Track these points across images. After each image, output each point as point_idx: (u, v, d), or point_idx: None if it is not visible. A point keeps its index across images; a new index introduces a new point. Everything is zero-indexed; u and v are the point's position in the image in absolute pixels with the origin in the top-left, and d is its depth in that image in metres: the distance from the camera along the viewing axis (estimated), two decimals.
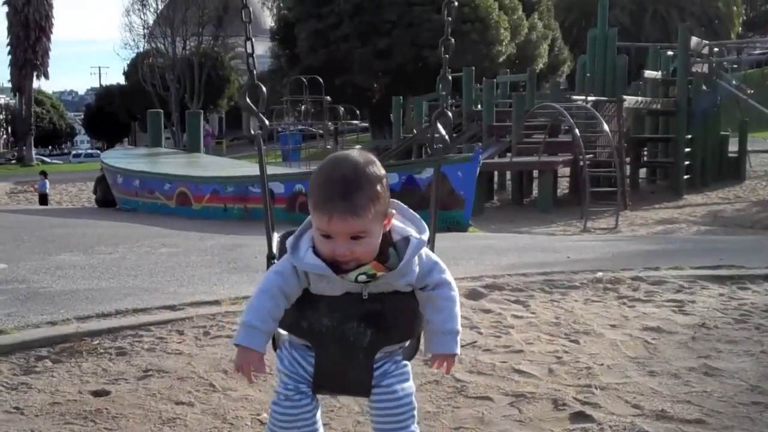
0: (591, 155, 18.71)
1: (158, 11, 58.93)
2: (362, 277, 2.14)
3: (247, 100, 2.56)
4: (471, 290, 5.65)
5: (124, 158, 20.73)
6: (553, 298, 5.54)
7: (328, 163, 2.13)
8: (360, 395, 2.33)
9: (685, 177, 21.77)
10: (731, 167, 24.37)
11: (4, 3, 53.05)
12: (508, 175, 23.43)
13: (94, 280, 6.54)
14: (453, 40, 2.65)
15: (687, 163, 21.98)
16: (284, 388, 2.25)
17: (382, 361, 2.26)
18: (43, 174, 24.87)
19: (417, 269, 2.18)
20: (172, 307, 5.24)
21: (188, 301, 5.40)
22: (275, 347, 2.37)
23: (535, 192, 21.57)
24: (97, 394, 3.56)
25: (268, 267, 2.35)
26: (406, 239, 2.20)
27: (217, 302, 5.35)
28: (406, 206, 2.30)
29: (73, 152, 76.81)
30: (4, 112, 75.18)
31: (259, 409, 3.36)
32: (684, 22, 29.72)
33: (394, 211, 2.22)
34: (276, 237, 2.38)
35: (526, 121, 20.84)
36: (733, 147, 24.40)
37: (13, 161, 56.15)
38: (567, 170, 21.49)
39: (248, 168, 18.70)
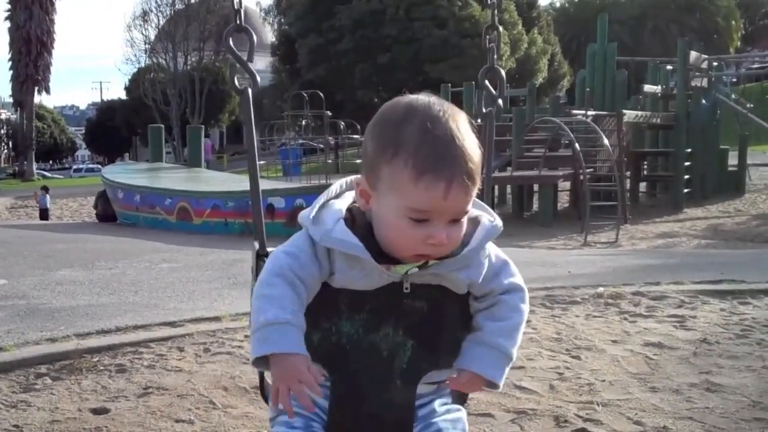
0: (591, 169, 18.69)
1: (160, 26, 59.12)
2: (414, 270, 1.55)
3: (231, 44, 2.08)
4: None
5: (124, 173, 20.73)
6: (554, 314, 5.52)
7: (420, 110, 1.50)
8: None
9: (685, 191, 21.75)
10: (731, 181, 24.35)
11: (6, 18, 53.21)
12: (509, 189, 23.42)
13: (94, 295, 6.53)
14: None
15: (687, 176, 21.96)
16: (287, 426, 1.60)
17: (429, 397, 1.65)
18: (45, 189, 24.86)
19: (486, 264, 1.63)
20: (172, 324, 5.23)
21: (188, 318, 5.39)
22: (264, 396, 1.83)
23: (535, 206, 21.54)
24: (96, 411, 3.55)
25: (256, 264, 1.91)
26: (475, 221, 1.62)
27: (217, 318, 5.34)
28: None
29: (74, 167, 76.83)
30: (5, 127, 75.25)
31: (259, 426, 3.35)
32: (683, 37, 29.79)
33: None
34: (252, 254, 1.96)
35: (526, 135, 20.85)
36: (732, 161, 24.38)
37: (14, 176, 56.17)
38: (567, 184, 21.46)
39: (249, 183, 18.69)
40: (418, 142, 1.45)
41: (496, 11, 2.28)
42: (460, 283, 1.60)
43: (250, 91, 2.04)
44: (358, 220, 1.57)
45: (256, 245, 1.95)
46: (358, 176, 1.58)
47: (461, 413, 1.69)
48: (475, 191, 1.52)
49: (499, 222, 1.66)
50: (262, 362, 1.54)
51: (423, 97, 1.54)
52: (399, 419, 1.58)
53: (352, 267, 1.54)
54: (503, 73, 2.18)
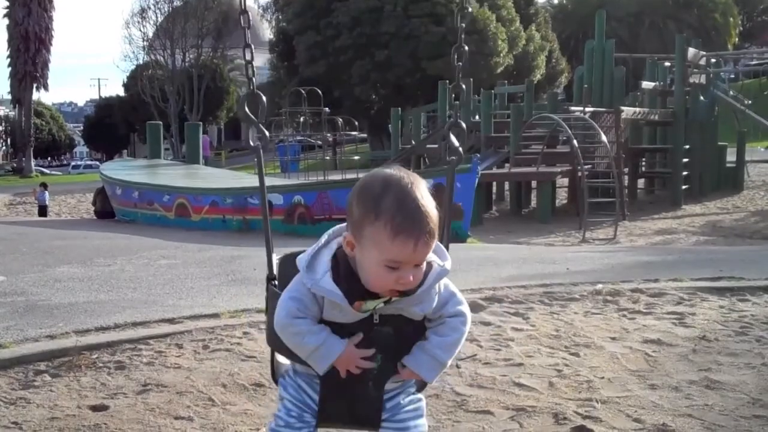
0: (589, 166, 18.71)
1: (158, 24, 59.05)
2: (380, 305, 1.99)
3: (247, 110, 2.49)
4: (470, 302, 5.57)
5: (123, 170, 20.71)
6: (552, 311, 5.53)
7: (395, 183, 1.94)
8: (369, 428, 2.13)
9: (684, 187, 21.78)
10: (729, 177, 24.39)
11: (4, 15, 53.10)
12: (507, 185, 23.44)
13: (92, 292, 6.52)
14: (467, 47, 2.60)
15: (685, 173, 21.99)
16: (286, 414, 2.11)
17: (395, 392, 2.13)
18: (44, 186, 24.84)
19: (436, 300, 2.04)
20: (171, 320, 5.23)
21: (187, 314, 5.39)
22: (275, 379, 2.27)
23: (533, 203, 21.57)
24: (95, 408, 3.54)
25: (267, 289, 2.26)
26: (429, 265, 2.01)
27: (216, 315, 5.34)
28: None
29: (73, 164, 76.71)
30: (3, 124, 75.08)
31: (258, 423, 3.35)
32: (681, 33, 29.80)
33: None
34: (275, 260, 2.28)
35: (524, 132, 20.85)
36: (731, 157, 24.42)
37: (12, 173, 56.12)
38: (565, 181, 21.49)
39: (247, 179, 18.68)
40: (394, 211, 1.89)
41: (460, 74, 2.59)
42: (416, 314, 2.05)
43: (260, 149, 2.53)
44: (341, 263, 2.00)
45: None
46: (347, 233, 1.99)
47: (421, 402, 2.18)
48: (434, 244, 1.96)
49: (448, 265, 2.05)
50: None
51: (395, 172, 1.98)
52: (371, 410, 2.10)
53: (334, 308, 2.00)
54: (465, 127, 2.58)
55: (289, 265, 2.16)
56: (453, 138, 2.51)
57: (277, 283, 2.23)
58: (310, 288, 1.99)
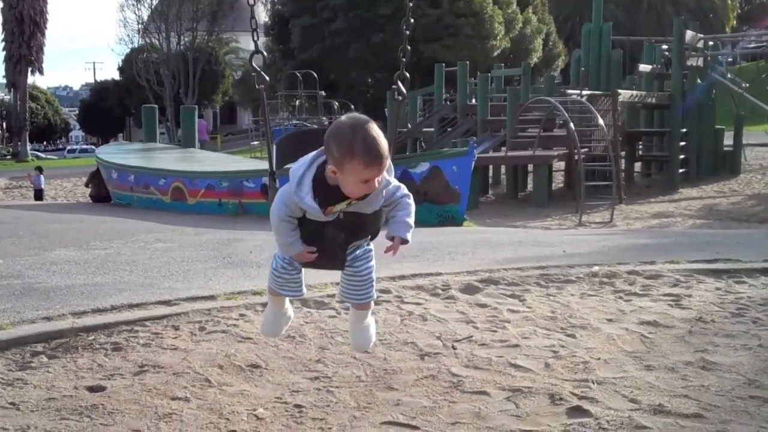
0: (586, 149, 18.68)
1: (152, 6, 58.74)
2: (344, 207, 2.81)
3: (254, 63, 3.31)
4: (466, 284, 5.64)
5: (119, 153, 20.66)
6: (549, 293, 5.54)
7: (359, 129, 2.67)
8: (336, 269, 3.05)
9: (681, 171, 21.76)
10: (726, 161, 24.34)
11: None
12: (503, 169, 23.41)
13: (89, 275, 6.52)
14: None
15: (682, 156, 21.96)
16: (282, 260, 3.04)
17: (353, 248, 3.00)
18: (39, 170, 24.77)
19: (381, 201, 2.86)
20: (167, 302, 5.23)
21: (184, 296, 5.39)
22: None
23: (530, 186, 21.54)
24: (92, 389, 3.55)
25: (269, 183, 3.30)
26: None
27: (212, 297, 5.34)
28: None
29: (68, 148, 76.49)
30: None
31: (255, 404, 3.36)
32: (679, 16, 29.70)
33: None
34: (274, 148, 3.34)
35: (520, 115, 20.80)
36: (728, 141, 24.38)
37: (8, 157, 55.98)
38: (562, 164, 21.44)
39: (243, 163, 18.67)
40: (363, 150, 2.64)
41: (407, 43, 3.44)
42: (368, 210, 2.86)
43: (264, 90, 3.36)
44: (319, 180, 2.77)
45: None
46: (330, 166, 2.72)
47: (371, 251, 3.06)
48: (388, 163, 2.76)
49: (390, 176, 2.87)
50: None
51: (357, 119, 2.73)
52: (338, 259, 3.00)
53: (311, 214, 2.83)
54: (408, 76, 3.37)
55: (283, 147, 3.33)
56: (400, 84, 3.31)
57: (276, 172, 3.29)
58: (297, 200, 2.80)
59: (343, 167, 2.70)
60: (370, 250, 3.09)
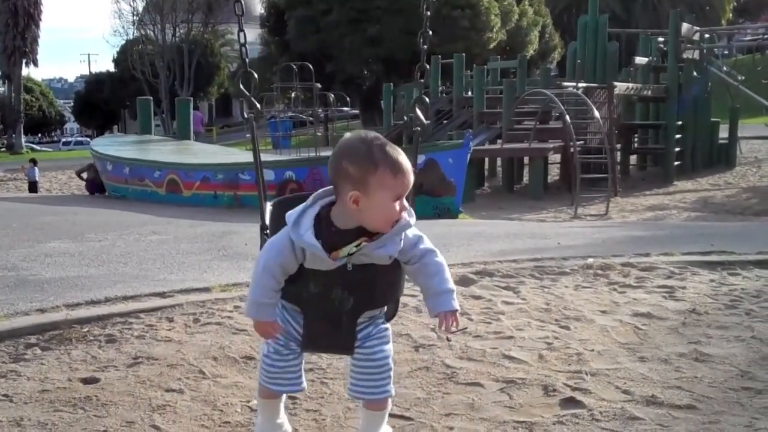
0: (581, 142, 18.71)
1: None
2: (353, 249, 2.39)
3: (241, 86, 2.91)
4: (461, 276, 5.64)
5: (113, 145, 20.60)
6: (543, 284, 5.54)
7: (371, 139, 2.38)
8: (343, 354, 2.62)
9: (676, 163, 21.79)
10: (721, 153, 24.40)
11: None
12: (499, 161, 23.42)
13: (83, 267, 6.51)
14: (431, 32, 3.01)
15: (677, 149, 22.00)
16: (275, 342, 2.55)
17: (365, 324, 2.55)
18: (33, 162, 24.72)
19: (401, 245, 2.43)
20: (161, 294, 5.22)
21: (178, 288, 5.39)
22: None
23: (525, 179, 21.58)
24: (86, 381, 3.55)
25: (261, 238, 2.72)
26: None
27: (207, 289, 5.34)
28: None
29: (63, 140, 76.39)
30: None
31: (249, 395, 3.35)
32: (675, 9, 29.72)
33: None
34: (268, 206, 2.70)
35: (516, 107, 20.80)
36: (723, 133, 24.42)
37: (2, 149, 55.87)
38: (557, 157, 21.47)
39: (238, 155, 18.64)
40: (385, 157, 2.34)
41: (425, 56, 2.98)
42: (382, 257, 2.42)
43: (254, 123, 2.93)
44: (323, 220, 2.41)
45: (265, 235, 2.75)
46: (352, 192, 2.33)
47: (388, 331, 2.59)
48: (412, 180, 2.42)
49: (412, 220, 2.45)
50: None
51: (360, 133, 2.44)
52: (346, 339, 2.53)
53: (314, 258, 2.41)
54: (428, 101, 3.03)
55: (280, 209, 2.56)
56: (419, 112, 2.91)
57: (268, 229, 2.69)
58: (294, 241, 2.40)
59: (367, 184, 2.32)
60: (387, 329, 2.59)
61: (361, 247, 2.39)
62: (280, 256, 2.42)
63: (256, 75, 2.86)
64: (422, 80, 3.00)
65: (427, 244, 2.50)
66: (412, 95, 30.16)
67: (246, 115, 2.92)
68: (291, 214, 2.43)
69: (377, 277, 2.46)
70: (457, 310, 2.47)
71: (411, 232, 2.47)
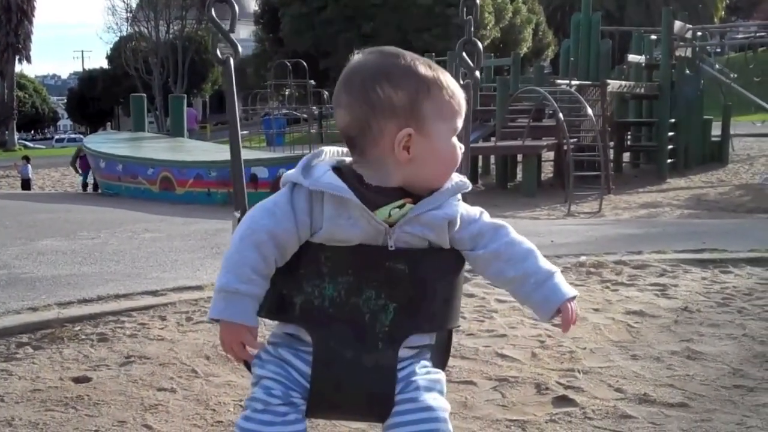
0: (575, 139, 18.70)
1: None
2: (395, 212, 1.63)
3: (214, 14, 2.15)
4: None
5: (107, 142, 20.58)
6: None
7: (409, 58, 1.68)
8: (375, 413, 1.64)
9: (669, 161, 21.79)
10: (714, 151, 24.40)
11: None
12: (493, 159, 23.41)
13: (75, 265, 6.49)
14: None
15: (670, 147, 22.00)
16: (266, 394, 1.61)
17: (408, 360, 1.67)
18: (26, 159, 24.65)
19: (458, 209, 1.71)
20: (154, 293, 5.22)
21: (171, 287, 5.38)
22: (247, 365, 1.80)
23: (519, 176, 21.55)
24: (78, 380, 3.54)
25: (233, 224, 1.94)
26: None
27: (199, 287, 5.33)
28: None
29: (56, 137, 76.24)
30: None
31: (242, 395, 3.35)
32: (667, 6, 29.72)
33: None
34: (236, 215, 2.06)
35: (510, 105, 20.80)
36: (716, 131, 24.43)
37: None
38: (551, 154, 21.45)
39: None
40: (434, 74, 1.65)
41: None
42: (440, 222, 1.66)
43: (232, 61, 2.14)
44: (346, 174, 1.64)
45: (237, 214, 2.06)
46: (405, 130, 1.61)
47: (441, 375, 1.73)
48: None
49: (467, 181, 1.77)
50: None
51: (387, 48, 1.74)
52: (381, 385, 1.59)
53: (340, 214, 1.59)
54: (480, 46, 2.26)
55: None
56: (466, 57, 2.22)
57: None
58: (309, 185, 1.61)
59: (421, 115, 1.61)
60: (439, 373, 1.72)
61: (407, 208, 1.63)
62: (271, 218, 1.61)
63: (236, 8, 2.16)
64: (470, 16, 2.24)
65: (491, 218, 1.79)
66: None
67: (221, 55, 2.15)
68: (292, 171, 1.68)
69: (429, 273, 1.64)
70: (575, 296, 1.81)
71: (467, 207, 1.76)
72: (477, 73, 2.23)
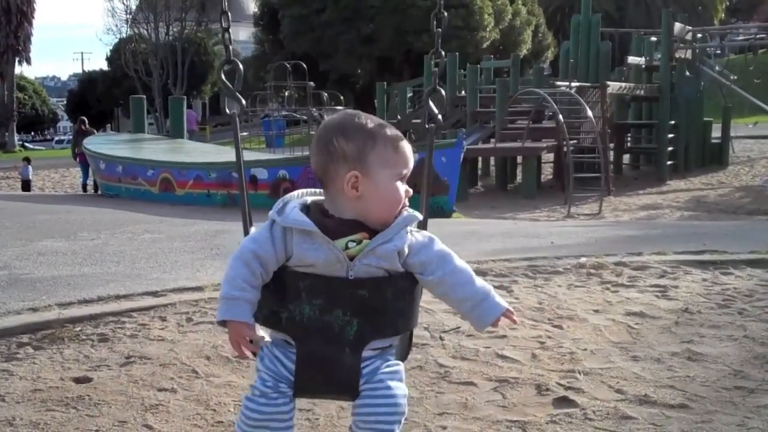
0: (575, 141, 18.74)
1: None
2: (352, 244, 2.03)
3: (224, 77, 2.50)
4: None
5: (107, 144, 20.59)
6: (536, 284, 5.54)
7: (358, 115, 2.11)
8: (346, 397, 2.13)
9: (669, 163, 21.83)
10: (714, 153, 24.44)
11: None
12: (492, 161, 23.43)
13: (76, 266, 6.49)
14: (446, 13, 2.60)
15: (670, 149, 22.03)
16: (262, 384, 2.08)
17: (372, 359, 2.09)
18: (27, 160, 24.63)
19: (408, 238, 2.07)
20: (154, 293, 5.22)
21: (171, 288, 5.38)
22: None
23: (519, 178, 21.58)
24: (79, 380, 3.54)
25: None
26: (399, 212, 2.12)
27: (200, 288, 5.33)
28: None
29: (56, 138, 76.22)
30: None
31: (242, 395, 3.35)
32: (668, 8, 29.75)
33: None
34: (253, 230, 2.27)
35: (510, 106, 20.82)
36: (716, 133, 24.47)
37: None
38: (551, 156, 21.49)
39: (232, 154, 18.43)
40: (380, 130, 2.08)
41: (440, 39, 2.56)
42: (390, 253, 2.06)
43: (237, 117, 2.49)
44: (312, 210, 2.09)
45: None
46: (352, 173, 2.02)
47: (400, 366, 2.15)
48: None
49: (418, 214, 2.13)
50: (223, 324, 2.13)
51: (342, 112, 2.15)
52: (348, 377, 2.07)
53: (305, 241, 2.03)
54: (444, 93, 2.59)
55: None
56: (431, 104, 2.52)
57: None
58: (281, 222, 2.05)
59: (367, 163, 2.03)
60: (399, 365, 2.15)
61: (363, 244, 2.02)
62: (255, 243, 2.06)
63: (241, 67, 2.47)
64: (436, 68, 2.60)
65: (442, 246, 2.13)
66: (405, 94, 30.25)
67: (229, 111, 2.50)
68: (274, 207, 2.10)
69: (386, 295, 2.07)
70: (507, 308, 2.14)
71: (420, 234, 2.13)
72: (440, 116, 2.53)
